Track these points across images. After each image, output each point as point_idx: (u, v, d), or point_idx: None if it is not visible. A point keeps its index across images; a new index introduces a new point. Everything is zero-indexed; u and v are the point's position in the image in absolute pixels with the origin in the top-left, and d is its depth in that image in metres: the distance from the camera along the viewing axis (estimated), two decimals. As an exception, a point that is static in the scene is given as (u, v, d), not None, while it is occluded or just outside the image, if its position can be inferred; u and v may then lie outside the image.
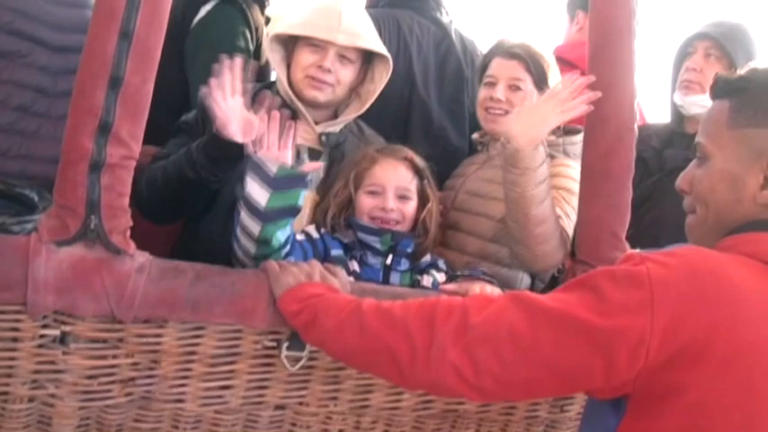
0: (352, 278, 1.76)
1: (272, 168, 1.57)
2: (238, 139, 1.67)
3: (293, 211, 1.62)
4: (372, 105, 2.12)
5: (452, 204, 2.20)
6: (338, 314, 1.39)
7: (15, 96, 2.13)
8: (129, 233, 1.45)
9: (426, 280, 1.92)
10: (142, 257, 1.46)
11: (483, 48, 2.59)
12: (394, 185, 1.93)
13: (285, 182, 1.58)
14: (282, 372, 1.58)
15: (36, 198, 1.75)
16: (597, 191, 1.77)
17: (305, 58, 1.97)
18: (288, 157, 1.66)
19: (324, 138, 2.03)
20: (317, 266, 1.55)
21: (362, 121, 2.18)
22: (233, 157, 1.72)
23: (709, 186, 1.30)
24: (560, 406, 1.83)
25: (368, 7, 2.56)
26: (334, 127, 2.06)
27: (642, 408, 1.18)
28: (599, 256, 1.75)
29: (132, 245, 1.45)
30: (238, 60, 1.70)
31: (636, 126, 1.80)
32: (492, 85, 2.17)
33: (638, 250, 1.31)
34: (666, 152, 2.48)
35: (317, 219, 1.98)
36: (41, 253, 1.38)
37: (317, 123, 2.03)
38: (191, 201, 1.96)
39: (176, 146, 1.93)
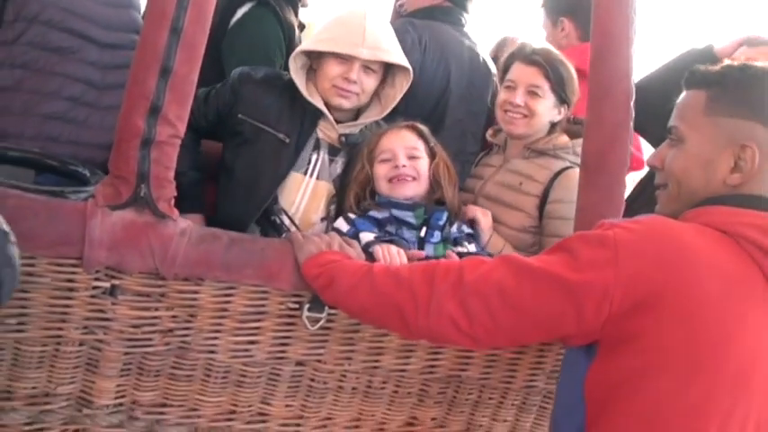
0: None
1: None
2: None
3: None
4: (409, 110, 2.31)
5: None
6: (353, 276, 1.58)
7: (67, 88, 2.33)
8: (173, 201, 1.65)
9: (460, 251, 2.04)
10: (184, 223, 1.67)
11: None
12: (402, 147, 2.09)
13: None
14: (303, 331, 1.77)
15: (88, 174, 1.96)
16: (594, 183, 1.92)
17: (332, 69, 2.12)
18: None
19: (344, 138, 2.21)
20: (336, 238, 1.75)
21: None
22: None
23: (683, 167, 1.47)
24: (557, 378, 1.99)
25: (404, 16, 2.73)
26: (355, 128, 2.23)
27: (608, 352, 1.37)
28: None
29: (176, 211, 1.66)
30: None
31: (631, 125, 1.97)
32: (512, 89, 2.30)
33: (609, 220, 1.48)
34: None
35: (342, 207, 2.13)
36: (97, 215, 1.59)
37: (338, 122, 2.20)
38: None
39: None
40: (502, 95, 2.35)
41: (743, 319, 1.32)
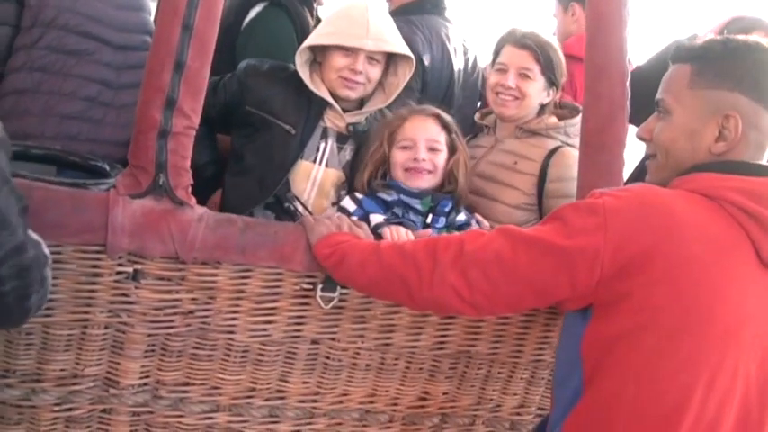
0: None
1: None
2: None
3: None
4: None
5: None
6: (361, 254, 1.67)
7: (84, 88, 2.43)
8: (190, 189, 1.74)
9: None
10: (201, 210, 1.76)
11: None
12: (424, 138, 2.15)
13: None
14: (317, 310, 1.85)
15: (108, 168, 2.05)
16: (593, 161, 1.99)
17: (337, 61, 2.20)
18: None
19: (351, 127, 2.29)
20: (345, 220, 1.84)
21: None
22: None
23: (671, 137, 1.54)
24: (562, 351, 2.07)
25: (399, 13, 2.79)
26: (361, 116, 2.31)
27: (601, 313, 1.45)
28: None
29: (193, 199, 1.75)
30: None
31: (628, 104, 2.03)
32: (503, 72, 2.38)
33: (599, 189, 1.55)
34: None
35: (354, 184, 2.20)
36: (119, 204, 1.69)
37: (345, 112, 2.28)
38: None
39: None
40: (493, 78, 2.43)
41: (729, 278, 1.39)
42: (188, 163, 1.73)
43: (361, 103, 2.34)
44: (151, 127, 1.68)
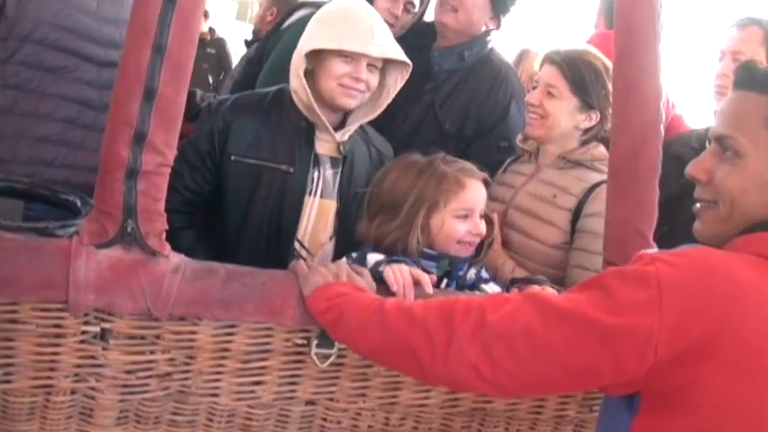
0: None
1: None
2: None
3: None
4: (465, 131, 2.37)
5: (503, 220, 2.19)
6: (362, 312, 1.44)
7: (62, 109, 2.26)
8: (164, 236, 1.52)
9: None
10: (177, 258, 1.53)
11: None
12: (480, 207, 1.91)
13: None
14: (313, 368, 1.63)
15: (79, 203, 1.84)
16: (623, 191, 1.77)
17: (338, 68, 2.00)
18: None
19: (341, 147, 2.09)
20: (344, 267, 1.61)
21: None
22: None
23: (741, 186, 1.28)
24: (589, 405, 1.84)
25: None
26: (350, 133, 2.11)
27: (655, 405, 1.21)
28: (626, 256, 1.74)
29: (167, 246, 1.52)
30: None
31: (662, 127, 1.81)
32: (534, 89, 2.20)
33: (649, 251, 1.31)
34: None
35: (391, 247, 1.88)
36: (82, 254, 1.46)
37: (335, 130, 2.08)
38: None
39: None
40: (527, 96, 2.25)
41: None
42: (161, 205, 1.51)
43: (342, 117, 2.13)
44: (118, 165, 1.46)
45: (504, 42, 2.88)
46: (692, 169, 1.37)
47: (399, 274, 1.67)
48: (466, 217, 1.88)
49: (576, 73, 2.13)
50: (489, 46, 2.62)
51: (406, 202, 1.87)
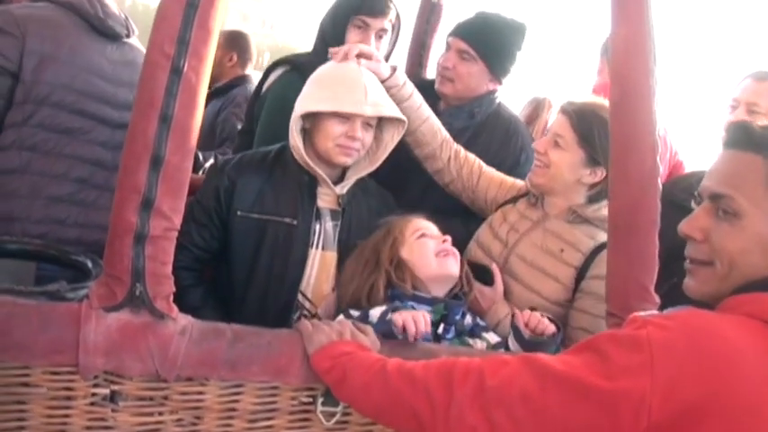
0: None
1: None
2: None
3: None
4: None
5: (503, 266, 2.16)
6: (366, 373, 1.47)
7: (76, 169, 2.31)
8: (171, 298, 1.56)
9: (480, 344, 1.92)
10: (184, 320, 1.57)
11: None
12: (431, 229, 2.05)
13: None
14: (319, 426, 1.66)
15: (90, 264, 1.88)
16: (623, 245, 1.79)
17: (334, 129, 2.05)
18: None
19: (341, 200, 2.14)
20: (347, 325, 1.64)
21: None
22: None
23: (741, 248, 1.28)
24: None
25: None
26: (348, 186, 2.16)
27: None
28: (628, 308, 1.76)
29: (175, 309, 1.56)
30: None
31: (659, 181, 1.83)
32: (544, 136, 2.20)
33: (642, 313, 1.33)
34: None
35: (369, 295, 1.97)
36: (91, 318, 1.50)
37: (334, 184, 2.13)
38: None
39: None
40: None
41: None
42: (169, 269, 1.55)
43: (342, 171, 2.19)
44: (126, 231, 1.50)
45: (513, 88, 2.89)
46: (686, 228, 1.37)
47: (413, 324, 1.71)
48: (426, 235, 2.01)
49: (585, 126, 2.09)
50: (497, 101, 2.65)
51: (367, 260, 2.00)
